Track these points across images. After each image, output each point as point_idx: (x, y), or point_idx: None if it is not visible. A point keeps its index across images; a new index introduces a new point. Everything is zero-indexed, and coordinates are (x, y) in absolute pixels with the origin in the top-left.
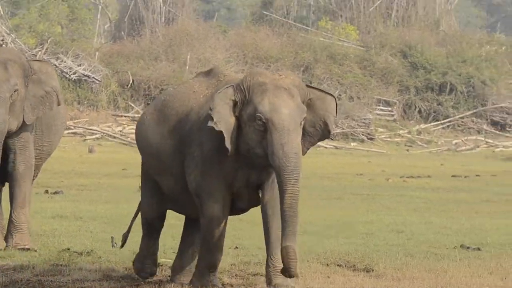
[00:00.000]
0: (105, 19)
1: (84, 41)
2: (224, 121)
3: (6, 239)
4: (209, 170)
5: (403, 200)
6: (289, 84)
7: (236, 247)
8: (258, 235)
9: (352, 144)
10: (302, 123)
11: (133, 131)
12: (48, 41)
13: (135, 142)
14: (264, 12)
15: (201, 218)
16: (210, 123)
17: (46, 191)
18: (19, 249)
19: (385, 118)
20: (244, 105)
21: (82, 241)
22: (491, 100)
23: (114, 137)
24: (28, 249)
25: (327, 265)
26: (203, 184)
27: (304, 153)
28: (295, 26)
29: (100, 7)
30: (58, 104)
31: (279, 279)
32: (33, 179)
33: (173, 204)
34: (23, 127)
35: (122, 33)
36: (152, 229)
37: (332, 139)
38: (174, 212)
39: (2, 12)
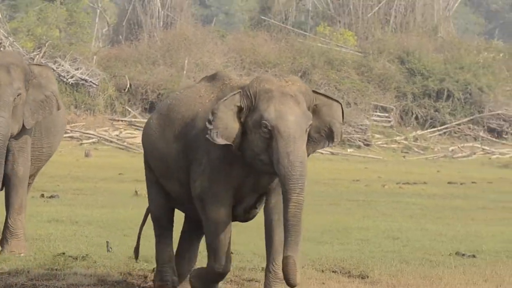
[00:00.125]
0: (103, 23)
1: (82, 45)
2: (226, 127)
3: (1, 244)
4: (216, 177)
5: (399, 207)
6: (296, 90)
7: (231, 253)
8: (253, 241)
9: (348, 150)
10: (308, 129)
11: (130, 135)
12: (46, 44)
13: (131, 146)
14: (263, 17)
15: (206, 223)
16: (209, 134)
17: (42, 195)
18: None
19: (382, 124)
20: (250, 112)
21: (77, 246)
22: (488, 107)
23: (111, 142)
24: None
25: (322, 271)
26: (210, 189)
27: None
28: (293, 31)
29: (98, 11)
30: (58, 109)
31: (278, 286)
32: (30, 183)
33: (179, 206)
34: (22, 130)
35: (120, 37)
36: (165, 231)
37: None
38: None
39: (0, 16)
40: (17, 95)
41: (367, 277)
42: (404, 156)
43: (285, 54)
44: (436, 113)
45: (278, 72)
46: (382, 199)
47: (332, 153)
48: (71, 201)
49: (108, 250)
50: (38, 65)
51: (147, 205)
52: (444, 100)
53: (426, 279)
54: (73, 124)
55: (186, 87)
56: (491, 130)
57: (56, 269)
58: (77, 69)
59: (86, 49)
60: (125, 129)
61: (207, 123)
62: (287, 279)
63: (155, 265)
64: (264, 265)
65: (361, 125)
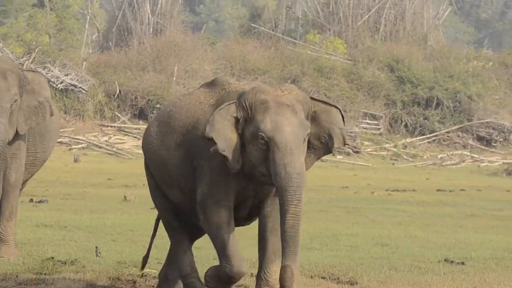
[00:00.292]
0: (93, 29)
1: (71, 51)
2: (224, 138)
3: None
4: (216, 182)
5: (388, 214)
6: (292, 100)
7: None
8: (242, 246)
9: (338, 157)
10: (306, 139)
11: (119, 141)
12: (36, 50)
13: (120, 152)
14: (253, 24)
15: (209, 230)
16: (213, 148)
17: (31, 200)
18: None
19: (371, 132)
20: (246, 123)
21: (66, 250)
22: (477, 115)
23: (100, 147)
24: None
25: (311, 277)
26: (210, 194)
27: (308, 167)
28: (283, 39)
29: (88, 17)
30: (51, 115)
31: None
32: (21, 189)
33: (181, 215)
34: (15, 136)
35: (110, 43)
36: (180, 237)
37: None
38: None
39: None
40: (14, 101)
41: (356, 283)
42: (393, 164)
43: (274, 61)
44: (426, 121)
45: (268, 80)
46: (371, 206)
47: (322, 160)
48: (60, 206)
49: (97, 255)
50: (31, 71)
51: (136, 210)
52: (433, 108)
53: (415, 286)
54: (62, 130)
55: (185, 94)
56: (480, 138)
57: (45, 274)
58: (67, 74)
59: (76, 55)
60: (114, 135)
61: (206, 133)
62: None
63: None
64: (255, 271)
65: (350, 132)
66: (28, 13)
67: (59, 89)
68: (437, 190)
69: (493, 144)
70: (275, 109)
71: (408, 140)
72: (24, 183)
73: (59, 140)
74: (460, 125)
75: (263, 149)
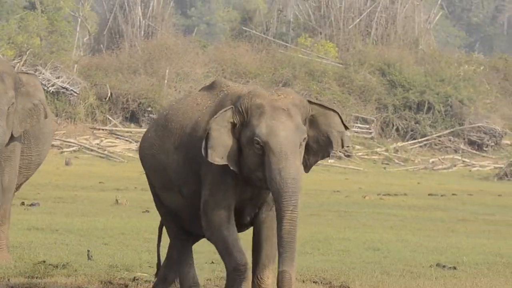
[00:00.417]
0: (84, 32)
1: (63, 53)
2: (222, 145)
3: None
4: (217, 184)
5: (380, 218)
6: (288, 104)
7: (212, 262)
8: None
9: (329, 161)
10: (303, 143)
11: (111, 144)
12: (27, 53)
13: (112, 155)
14: (244, 28)
15: (211, 235)
16: (208, 154)
17: (22, 203)
18: None
19: (362, 136)
20: (243, 128)
21: (57, 254)
22: (469, 120)
23: (91, 150)
24: None
25: (303, 281)
26: (210, 197)
27: (308, 169)
28: (274, 42)
29: (79, 19)
30: (45, 117)
31: None
32: (15, 192)
33: (181, 221)
34: (11, 138)
35: (101, 46)
36: (185, 248)
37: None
38: (149, 227)
39: None
40: (11, 104)
41: (348, 287)
42: (384, 168)
43: (266, 64)
44: (417, 125)
45: (259, 83)
46: (363, 210)
47: None
48: (52, 209)
49: (89, 258)
50: (25, 73)
51: (127, 213)
52: (424, 112)
53: None
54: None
55: (182, 97)
56: (471, 143)
57: (36, 277)
58: (58, 77)
59: (67, 58)
60: (106, 138)
61: (203, 143)
62: None
63: (135, 274)
64: None
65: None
66: (19, 16)
67: (50, 91)
68: (428, 195)
69: (484, 148)
70: (270, 114)
71: (400, 144)
72: (18, 187)
73: None
74: (452, 130)
75: (259, 154)
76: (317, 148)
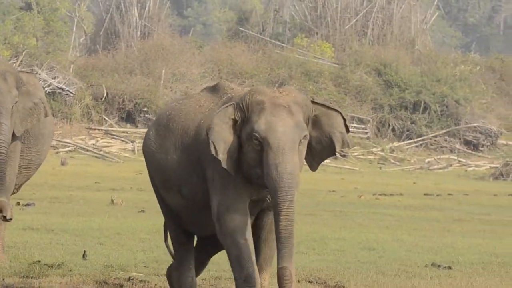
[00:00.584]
0: (81, 32)
1: (59, 53)
2: (224, 141)
3: None
4: (227, 188)
5: (375, 218)
6: (289, 101)
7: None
8: None
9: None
10: (303, 141)
11: (106, 144)
12: (23, 53)
13: (108, 155)
14: (240, 28)
15: (224, 239)
16: (212, 151)
17: (18, 203)
18: None
19: (358, 136)
20: (243, 124)
21: (53, 254)
22: (465, 120)
23: (87, 150)
24: None
25: (298, 281)
26: (222, 200)
27: (315, 168)
28: (270, 42)
29: (75, 20)
30: (46, 116)
31: None
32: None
33: (182, 222)
34: (12, 137)
35: (97, 46)
36: (186, 252)
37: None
38: (144, 227)
39: None
40: (15, 103)
41: (343, 287)
42: (380, 168)
43: (262, 65)
44: (413, 125)
45: (255, 83)
46: (359, 210)
47: None
48: (47, 209)
49: (84, 258)
50: (25, 72)
51: (123, 213)
52: (420, 112)
53: None
54: None
55: (184, 97)
56: (467, 143)
57: (31, 277)
58: (54, 77)
59: (63, 58)
60: (101, 138)
61: (207, 137)
62: None
63: (131, 274)
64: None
65: None
66: (15, 16)
67: (46, 92)
68: (424, 194)
69: (480, 148)
70: (270, 110)
71: (396, 144)
72: (19, 187)
73: None
74: (447, 129)
75: (258, 150)
76: (320, 149)
